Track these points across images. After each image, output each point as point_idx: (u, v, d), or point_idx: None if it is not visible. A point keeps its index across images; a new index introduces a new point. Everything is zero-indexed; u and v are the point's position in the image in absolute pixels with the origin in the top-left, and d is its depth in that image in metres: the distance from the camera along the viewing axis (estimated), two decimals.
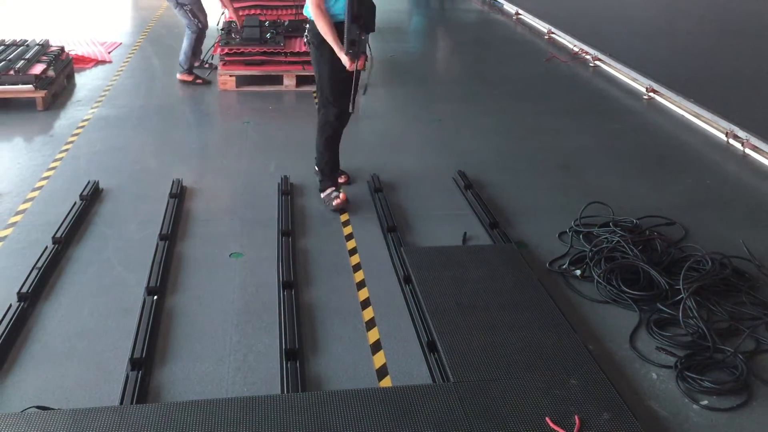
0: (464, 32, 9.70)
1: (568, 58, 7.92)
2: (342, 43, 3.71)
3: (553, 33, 8.84)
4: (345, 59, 3.74)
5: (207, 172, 4.71)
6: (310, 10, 3.78)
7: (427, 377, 2.78)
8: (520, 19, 9.88)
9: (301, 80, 6.53)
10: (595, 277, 3.42)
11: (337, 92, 3.93)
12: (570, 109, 6.20)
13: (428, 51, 8.96)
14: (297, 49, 6.51)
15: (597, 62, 7.63)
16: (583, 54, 7.89)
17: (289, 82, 6.50)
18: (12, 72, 5.69)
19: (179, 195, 4.22)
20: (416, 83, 6.87)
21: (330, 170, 4.21)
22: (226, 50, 6.37)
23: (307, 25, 3.96)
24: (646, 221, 3.96)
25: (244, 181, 4.56)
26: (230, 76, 6.44)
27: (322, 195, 4.20)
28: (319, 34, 3.80)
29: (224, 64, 6.45)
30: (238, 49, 6.39)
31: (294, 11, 7.48)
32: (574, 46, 8.16)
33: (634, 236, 3.68)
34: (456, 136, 5.43)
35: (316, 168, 4.34)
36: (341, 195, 4.15)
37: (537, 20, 9.44)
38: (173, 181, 4.35)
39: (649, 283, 3.36)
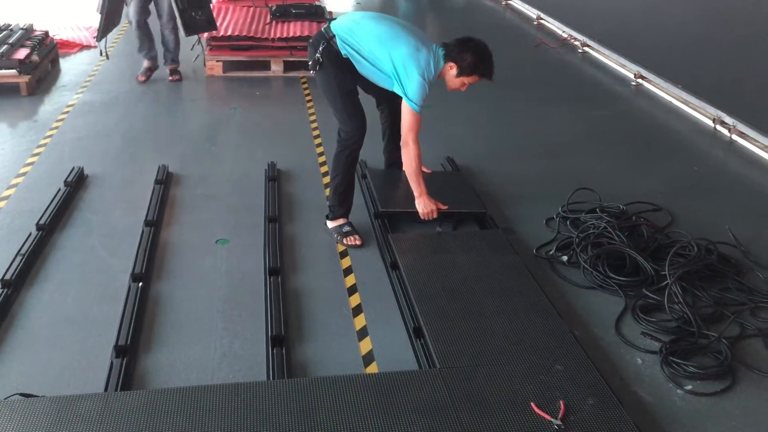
0: (452, 18, 9.64)
1: (557, 44, 7.90)
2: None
3: (542, 19, 8.81)
4: (422, 204, 3.64)
5: (193, 158, 4.67)
6: (406, 138, 3.53)
7: (413, 363, 2.78)
8: (509, 5, 9.84)
9: (289, 66, 6.48)
10: (582, 262, 3.43)
11: (350, 109, 3.60)
12: (558, 96, 6.19)
13: None
14: (284, 35, 6.46)
15: (585, 48, 7.62)
16: (572, 40, 7.88)
17: (276, 68, 6.45)
18: None
19: (165, 181, 4.19)
20: None
21: (344, 197, 3.71)
22: (213, 35, 6.31)
23: (311, 47, 3.65)
24: (632, 207, 3.96)
25: (230, 167, 4.53)
26: (217, 61, 6.39)
27: (330, 225, 3.74)
28: (325, 55, 3.53)
29: (211, 50, 6.39)
30: (225, 34, 6.34)
31: None
32: (563, 32, 8.14)
33: (620, 222, 3.69)
34: (444, 122, 5.41)
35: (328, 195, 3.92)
36: (357, 238, 3.66)
37: (526, 6, 9.40)
38: (159, 167, 4.32)
39: (635, 268, 3.37)
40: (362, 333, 2.98)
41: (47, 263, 3.39)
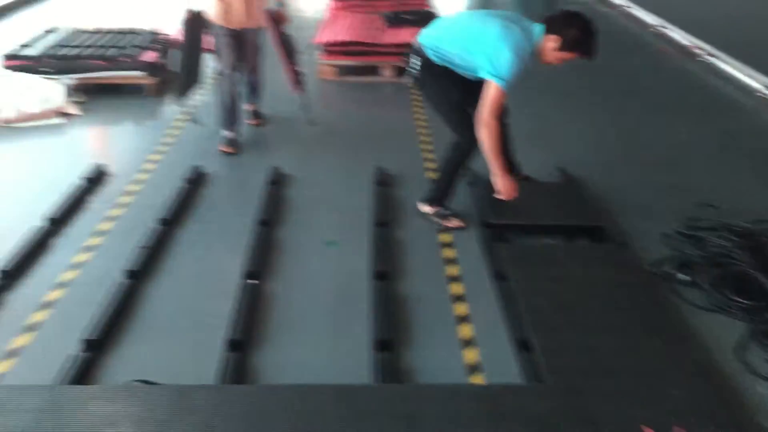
0: None
1: (677, 52, 7.57)
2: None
3: (661, 26, 8.47)
4: (501, 182, 3.56)
5: (304, 160, 4.77)
6: (488, 115, 3.39)
7: (519, 377, 2.73)
8: (627, 11, 9.52)
9: (400, 71, 6.52)
10: (703, 283, 3.26)
11: (466, 120, 3.55)
12: (678, 105, 5.93)
13: None
14: (396, 41, 6.51)
15: (709, 57, 7.25)
16: (694, 48, 7.52)
17: (387, 73, 6.51)
18: (124, 59, 5.95)
19: (278, 182, 4.31)
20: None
21: (446, 192, 3.83)
22: (327, 41, 6.44)
23: (411, 59, 3.67)
24: (758, 225, 3.73)
25: (340, 170, 4.60)
26: (330, 66, 6.52)
27: (428, 209, 3.86)
28: (423, 72, 3.58)
29: (325, 54, 6.53)
30: (339, 40, 6.46)
31: (395, 2, 7.51)
32: (685, 39, 7.78)
33: (745, 241, 3.48)
34: (555, 131, 5.29)
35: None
36: (460, 220, 3.81)
37: (644, 11, 9.07)
38: (271, 168, 4.44)
39: (761, 291, 3.17)
40: (467, 342, 2.95)
41: (167, 257, 3.55)
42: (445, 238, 3.78)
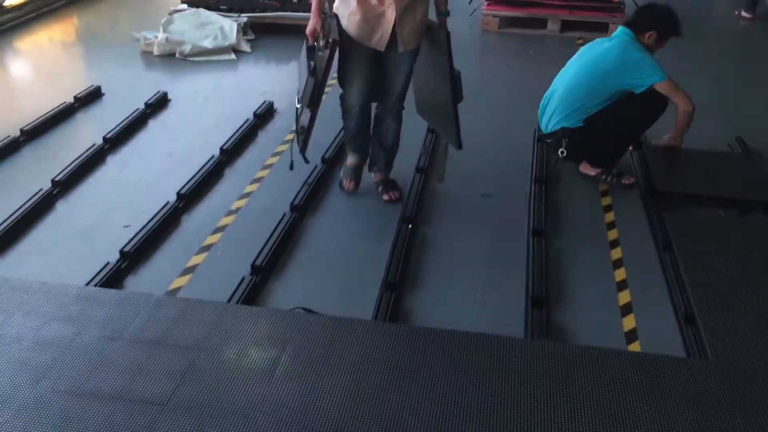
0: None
1: None
2: None
3: None
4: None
5: (464, 110, 4.72)
6: (685, 104, 3.62)
7: (680, 350, 2.62)
8: None
9: (566, 25, 6.29)
10: None
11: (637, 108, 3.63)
12: None
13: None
14: None
15: None
16: None
17: (553, 27, 6.30)
18: (295, 0, 6.12)
19: (434, 131, 4.31)
20: (691, 36, 6.30)
21: (612, 157, 3.80)
22: None
23: (556, 154, 3.76)
24: None
25: (498, 124, 4.54)
26: (494, 16, 6.39)
27: (594, 172, 3.80)
28: (570, 146, 3.67)
29: (488, 4, 6.40)
30: None
31: None
32: None
33: None
34: (735, 99, 4.92)
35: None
36: (630, 176, 3.78)
37: None
38: None
39: None
40: (626, 309, 2.86)
41: (328, 194, 3.67)
42: (606, 201, 3.65)
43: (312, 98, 3.20)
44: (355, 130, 3.51)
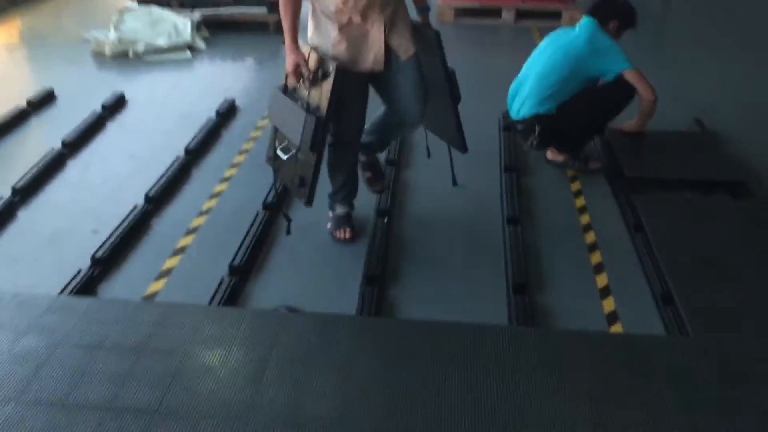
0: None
1: None
2: None
3: None
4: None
5: None
6: (648, 95, 3.69)
7: (660, 329, 2.68)
8: None
9: (521, 14, 6.35)
10: None
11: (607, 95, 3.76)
12: None
13: None
14: None
15: None
16: None
17: (507, 16, 6.36)
18: None
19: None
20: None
21: (577, 143, 3.91)
22: None
23: (530, 138, 3.83)
24: None
25: (464, 114, 4.53)
26: (449, 7, 6.41)
27: (559, 156, 3.88)
28: (543, 136, 3.75)
29: None
30: None
31: None
32: None
33: None
34: (691, 80, 5.03)
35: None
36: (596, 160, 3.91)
37: None
38: None
39: None
40: (604, 292, 2.91)
41: None
42: (575, 186, 3.71)
43: (314, 139, 2.77)
44: (349, 172, 3.16)
